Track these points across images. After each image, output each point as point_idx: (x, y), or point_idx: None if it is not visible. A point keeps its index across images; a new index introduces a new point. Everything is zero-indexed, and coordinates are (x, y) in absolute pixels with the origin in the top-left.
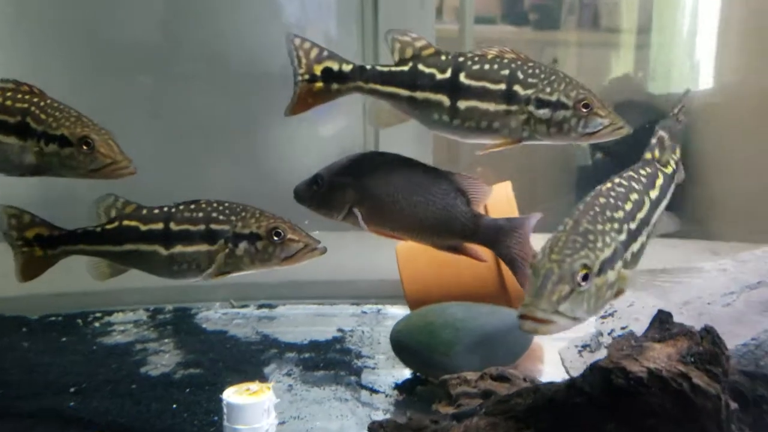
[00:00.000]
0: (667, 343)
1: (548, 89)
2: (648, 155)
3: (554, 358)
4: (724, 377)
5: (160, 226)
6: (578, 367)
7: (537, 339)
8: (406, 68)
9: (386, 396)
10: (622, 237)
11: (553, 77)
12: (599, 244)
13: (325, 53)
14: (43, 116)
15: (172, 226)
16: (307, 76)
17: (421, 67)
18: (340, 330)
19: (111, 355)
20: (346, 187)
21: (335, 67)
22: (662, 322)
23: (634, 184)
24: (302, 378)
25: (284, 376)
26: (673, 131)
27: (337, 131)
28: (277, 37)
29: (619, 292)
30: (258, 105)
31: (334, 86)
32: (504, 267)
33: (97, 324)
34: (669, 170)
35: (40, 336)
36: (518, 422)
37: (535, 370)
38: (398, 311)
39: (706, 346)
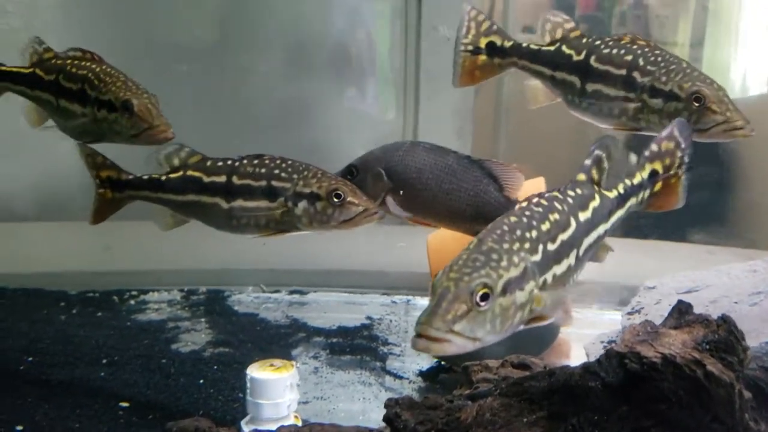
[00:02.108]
0: (683, 330)
1: (663, 78)
2: (581, 176)
3: (580, 354)
4: (739, 366)
5: (222, 178)
6: None
7: (563, 334)
8: (552, 48)
9: (410, 382)
10: (536, 257)
11: (674, 66)
12: (503, 263)
13: (494, 27)
14: (96, 82)
15: (235, 179)
16: (470, 47)
17: (564, 48)
18: (368, 318)
19: (144, 331)
20: (379, 176)
21: (498, 41)
22: (681, 313)
23: (556, 203)
24: (328, 361)
25: (311, 358)
26: (612, 151)
27: (375, 124)
28: (321, 28)
29: (540, 318)
30: (301, 93)
31: (497, 60)
32: None
33: (132, 302)
34: (613, 194)
35: (77, 310)
36: (532, 404)
37: (560, 364)
38: (427, 302)
39: (722, 335)
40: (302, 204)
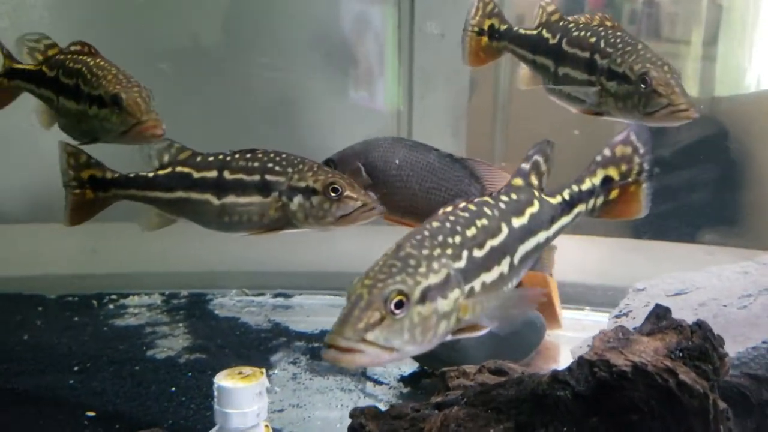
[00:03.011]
0: (656, 336)
1: (619, 60)
2: (517, 181)
3: (569, 358)
4: (714, 375)
5: (213, 174)
6: None
7: (552, 337)
8: (534, 32)
9: (390, 388)
10: (459, 264)
11: (629, 48)
12: (422, 270)
13: (496, 10)
14: (89, 76)
15: (226, 174)
16: (476, 29)
17: (543, 32)
18: None
19: (120, 336)
20: (358, 171)
21: (496, 24)
22: (659, 317)
23: (486, 209)
24: (308, 367)
25: (290, 364)
26: (551, 154)
27: (368, 122)
28: (312, 27)
29: (473, 328)
30: (291, 91)
31: (494, 43)
32: None
33: (111, 306)
34: (556, 200)
35: (53, 315)
36: (499, 413)
37: (547, 368)
38: None
39: (696, 342)
40: (297, 199)
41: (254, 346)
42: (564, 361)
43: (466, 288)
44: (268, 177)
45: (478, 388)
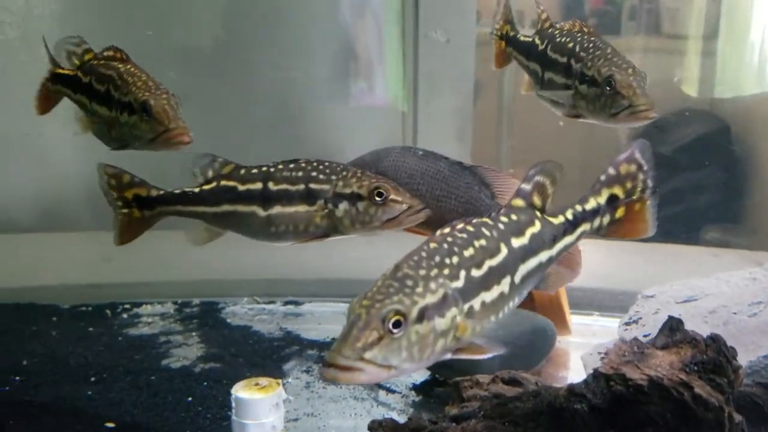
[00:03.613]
0: (671, 350)
1: (589, 64)
2: (517, 202)
3: (579, 365)
4: (729, 388)
5: (258, 186)
6: None
7: (562, 343)
8: (529, 39)
9: (402, 396)
10: (458, 284)
11: (599, 52)
12: (419, 290)
13: (510, 16)
14: (119, 83)
15: (271, 185)
16: (498, 33)
17: (536, 38)
18: None
19: (134, 346)
20: None
21: (509, 30)
22: (672, 330)
23: (484, 229)
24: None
25: (302, 372)
26: (557, 175)
27: (375, 127)
28: (320, 31)
29: (474, 350)
30: (298, 96)
31: (507, 49)
32: None
33: (125, 315)
34: (558, 220)
35: (68, 325)
36: (516, 426)
37: (558, 376)
38: None
39: (711, 355)
40: (343, 205)
41: (267, 355)
42: (574, 367)
43: (465, 307)
44: (312, 186)
45: (494, 401)
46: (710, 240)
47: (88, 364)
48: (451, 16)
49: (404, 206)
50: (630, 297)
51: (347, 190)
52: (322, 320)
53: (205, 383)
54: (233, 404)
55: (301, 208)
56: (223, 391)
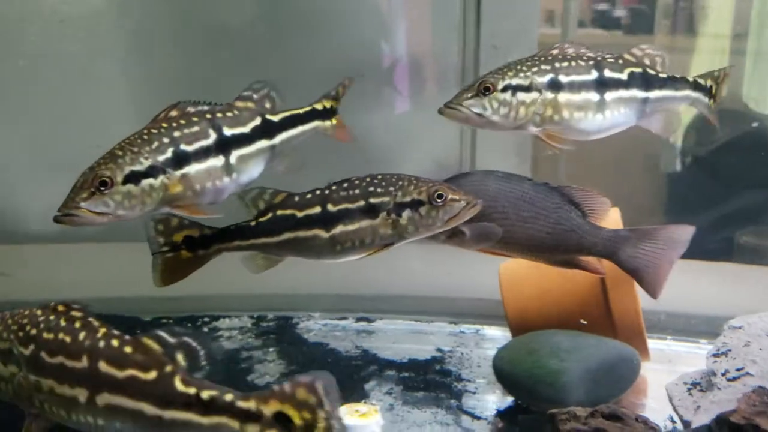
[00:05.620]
0: None
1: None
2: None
3: (660, 393)
4: None
5: (317, 209)
6: (687, 405)
7: (642, 371)
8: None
9: (488, 423)
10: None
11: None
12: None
13: None
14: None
15: (330, 207)
16: None
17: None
18: (439, 350)
19: (219, 360)
20: None
21: None
22: None
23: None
24: (403, 398)
25: (385, 394)
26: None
27: (432, 146)
28: (378, 46)
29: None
30: (358, 110)
31: None
32: (610, 294)
33: (205, 329)
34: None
35: None
36: None
37: (638, 404)
38: (497, 333)
39: None
40: (406, 213)
41: (347, 375)
42: (655, 395)
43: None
44: (372, 200)
45: None
46: (744, 244)
47: None
48: (511, 29)
49: (463, 203)
50: (706, 322)
51: (408, 198)
52: (395, 339)
53: None
54: None
55: (365, 223)
56: None
